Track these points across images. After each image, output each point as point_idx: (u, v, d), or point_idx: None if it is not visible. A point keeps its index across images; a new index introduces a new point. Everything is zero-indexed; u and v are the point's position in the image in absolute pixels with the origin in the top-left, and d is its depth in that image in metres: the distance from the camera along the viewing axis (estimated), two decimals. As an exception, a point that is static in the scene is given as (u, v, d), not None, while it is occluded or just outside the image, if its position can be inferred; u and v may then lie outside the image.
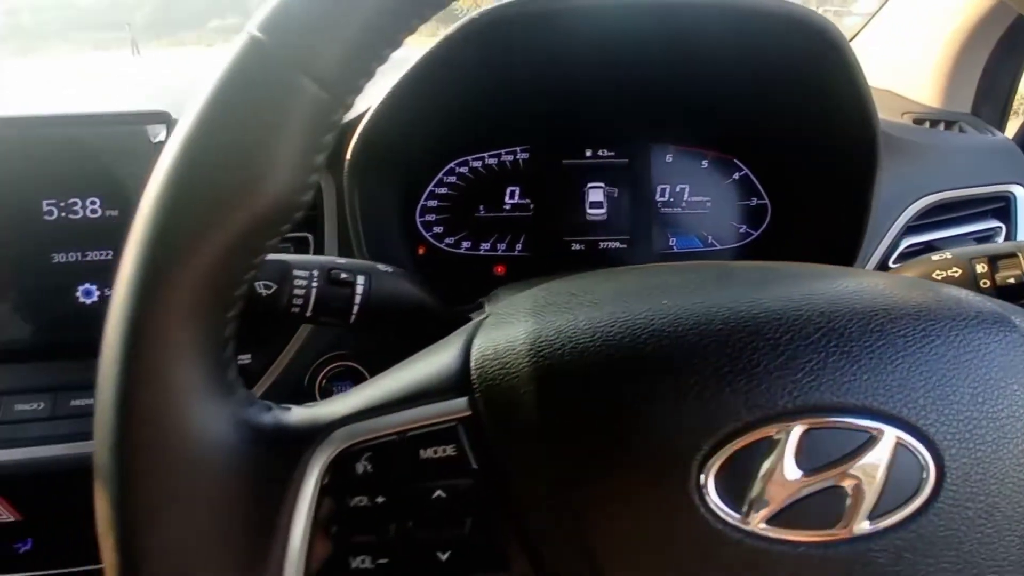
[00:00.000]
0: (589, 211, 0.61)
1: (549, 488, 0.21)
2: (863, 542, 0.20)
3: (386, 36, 0.21)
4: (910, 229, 0.56)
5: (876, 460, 0.20)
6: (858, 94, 0.48)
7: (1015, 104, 0.70)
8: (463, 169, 0.61)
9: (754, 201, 0.63)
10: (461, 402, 0.22)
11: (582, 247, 0.62)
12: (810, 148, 0.56)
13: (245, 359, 0.48)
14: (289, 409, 0.24)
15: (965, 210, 0.58)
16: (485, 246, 0.61)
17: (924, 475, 0.21)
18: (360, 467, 0.22)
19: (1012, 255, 0.35)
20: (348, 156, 0.49)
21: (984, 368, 0.22)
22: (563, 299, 0.25)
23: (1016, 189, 0.59)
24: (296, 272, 0.33)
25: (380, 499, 0.22)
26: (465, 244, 0.61)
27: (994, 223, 0.59)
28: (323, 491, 0.22)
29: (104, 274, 0.46)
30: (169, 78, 0.65)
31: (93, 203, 0.45)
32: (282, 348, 0.48)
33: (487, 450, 0.22)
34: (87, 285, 0.46)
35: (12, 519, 0.46)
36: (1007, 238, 0.59)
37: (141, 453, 0.20)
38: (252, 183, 0.20)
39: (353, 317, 0.34)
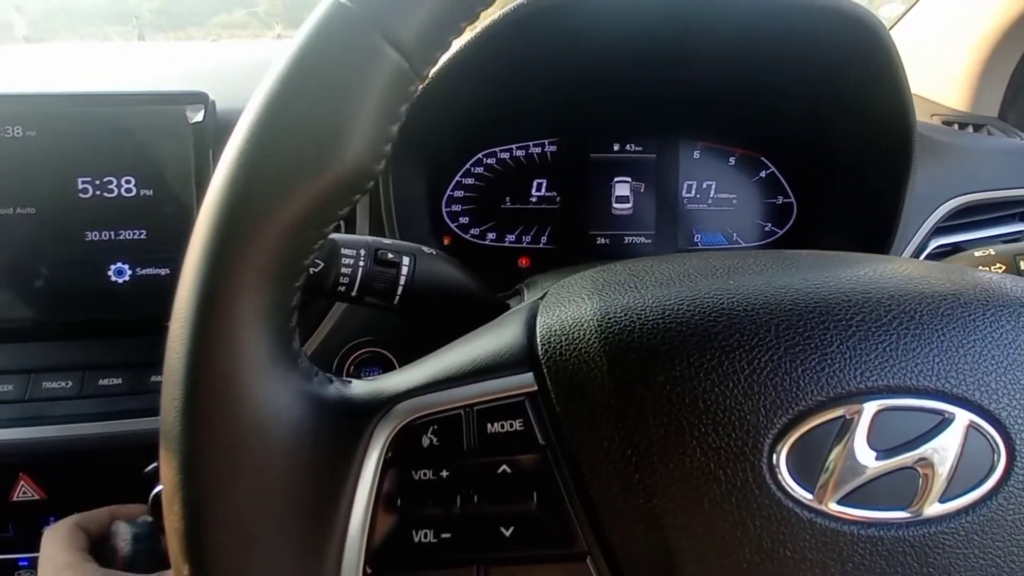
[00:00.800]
0: (615, 205, 0.61)
1: (618, 465, 0.21)
2: (934, 524, 0.20)
3: (465, 7, 0.21)
4: (939, 230, 0.56)
5: (948, 442, 0.20)
6: (897, 90, 0.48)
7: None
8: (491, 160, 0.60)
9: (780, 200, 0.63)
10: (528, 377, 0.22)
11: (607, 241, 0.61)
12: (842, 146, 0.56)
13: None
14: (350, 382, 0.23)
15: (993, 212, 0.58)
16: (510, 238, 0.61)
17: (996, 458, 0.20)
18: (426, 440, 0.22)
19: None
20: None
21: None
22: (626, 279, 0.25)
23: (1045, 192, 0.59)
24: (344, 251, 0.33)
25: (445, 473, 0.22)
26: (490, 235, 0.61)
27: (1021, 226, 0.59)
28: (387, 464, 0.22)
29: (137, 253, 0.45)
30: (204, 63, 0.64)
31: (128, 182, 0.45)
32: (312, 331, 0.48)
33: (555, 426, 0.22)
34: (119, 264, 0.46)
35: (36, 497, 0.46)
36: None
37: (210, 421, 0.20)
38: (331, 150, 0.20)
39: (397, 298, 0.34)
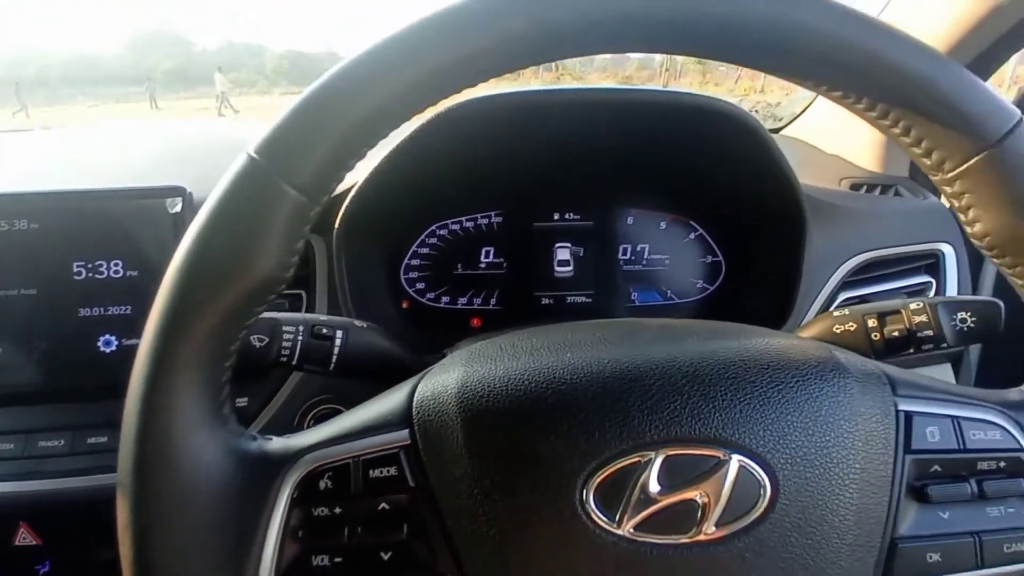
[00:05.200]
0: (557, 268, 0.68)
1: (467, 502, 0.27)
2: (712, 545, 0.26)
3: (351, 153, 0.27)
4: (846, 284, 0.62)
5: (723, 479, 0.26)
6: (778, 170, 0.55)
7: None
8: (443, 232, 0.67)
9: (709, 258, 0.69)
10: (403, 433, 0.28)
11: (551, 301, 0.68)
12: (749, 214, 0.63)
13: (243, 402, 0.54)
14: (270, 439, 0.30)
15: (898, 266, 0.64)
16: (463, 300, 0.67)
17: (762, 491, 0.26)
18: (322, 484, 0.28)
19: (897, 312, 0.41)
20: (337, 224, 0.56)
21: (816, 407, 0.28)
22: (493, 352, 0.31)
23: (944, 247, 0.65)
24: (285, 327, 0.39)
25: (337, 510, 0.27)
26: (445, 299, 0.67)
27: (926, 278, 0.65)
28: (293, 503, 0.28)
29: (123, 326, 0.52)
30: (186, 150, 0.73)
31: (116, 264, 0.52)
32: (275, 392, 0.54)
33: (422, 472, 0.28)
34: (107, 336, 0.52)
35: (33, 543, 0.52)
36: (937, 292, 0.64)
37: (152, 471, 0.26)
38: (245, 266, 0.26)
39: (332, 365, 0.40)
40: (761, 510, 0.26)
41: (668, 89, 0.59)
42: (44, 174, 0.65)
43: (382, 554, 0.27)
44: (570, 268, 0.68)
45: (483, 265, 0.67)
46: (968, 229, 0.29)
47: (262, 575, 0.27)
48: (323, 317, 0.42)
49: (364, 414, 0.30)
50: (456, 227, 0.67)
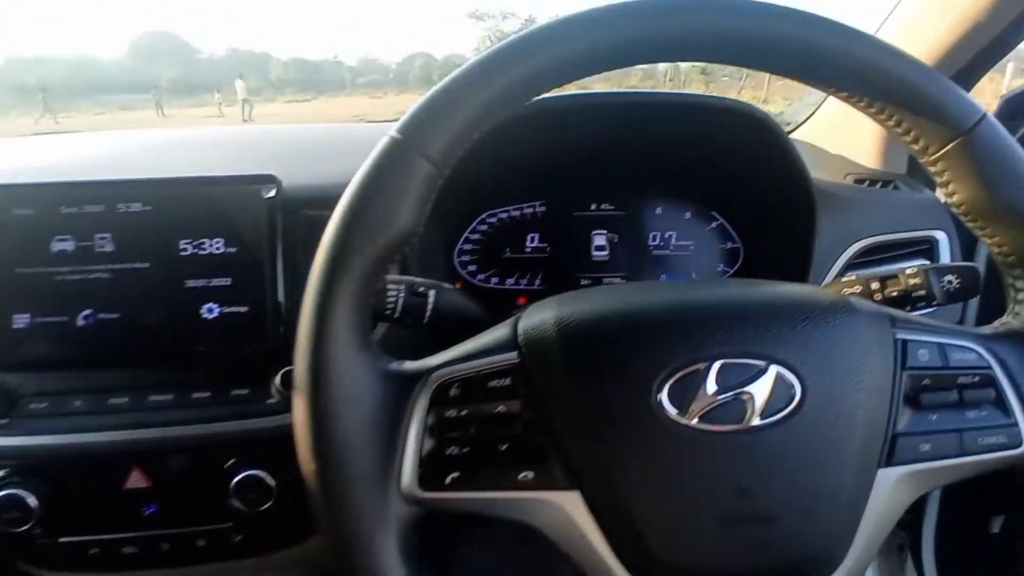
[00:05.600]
0: (595, 253, 0.76)
1: (567, 404, 0.35)
2: (757, 431, 0.34)
3: (477, 129, 0.35)
4: (851, 265, 0.70)
5: (763, 383, 0.34)
6: (792, 164, 0.63)
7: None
8: (492, 220, 0.75)
9: (728, 244, 0.77)
10: (512, 354, 0.36)
11: (589, 282, 0.76)
12: (764, 205, 0.71)
13: None
14: (404, 363, 0.37)
15: (897, 251, 0.72)
16: (510, 281, 0.75)
17: (793, 393, 0.34)
18: (452, 392, 0.35)
19: (895, 276, 0.49)
20: None
21: (833, 334, 0.36)
22: (579, 295, 0.39)
23: (939, 234, 0.73)
24: (389, 286, 0.47)
25: (464, 412, 0.35)
26: (494, 280, 0.75)
27: (925, 261, 0.73)
28: (429, 407, 0.35)
29: (223, 295, 0.60)
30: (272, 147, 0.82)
31: (217, 242, 0.60)
32: None
33: (530, 381, 0.35)
34: (210, 304, 0.60)
35: (144, 486, 0.59)
36: None
37: (322, 381, 0.34)
38: (389, 222, 0.34)
39: (426, 319, 0.48)
40: (793, 407, 0.34)
41: (695, 92, 0.67)
42: (138, 167, 0.73)
43: (500, 446, 0.35)
44: (606, 252, 0.76)
45: (528, 250, 0.75)
46: (948, 200, 0.38)
47: (407, 462, 0.35)
48: (419, 279, 0.49)
49: (478, 343, 0.38)
50: (504, 216, 0.75)
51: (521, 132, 0.67)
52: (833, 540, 0.34)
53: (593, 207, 0.76)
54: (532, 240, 0.76)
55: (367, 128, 1.00)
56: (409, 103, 0.37)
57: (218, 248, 0.60)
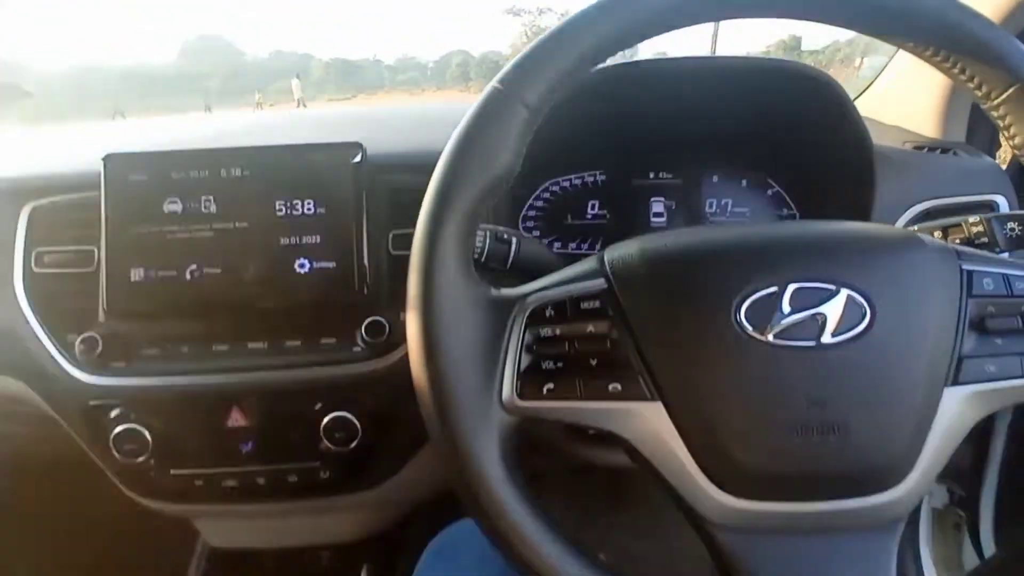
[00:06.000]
0: (653, 219, 0.79)
1: (653, 325, 0.38)
2: (829, 348, 0.37)
3: (571, 77, 0.39)
4: None
5: (836, 303, 0.37)
6: (854, 125, 0.65)
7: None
8: (555, 188, 0.79)
9: (784, 212, 0.79)
10: (600, 280, 0.40)
11: None
12: (825, 168, 0.73)
13: None
14: (501, 290, 0.41)
15: (955, 215, 0.73)
16: (572, 245, 0.79)
17: (863, 315, 0.37)
18: (547, 313, 0.39)
19: (958, 225, 0.51)
20: None
21: (903, 264, 0.38)
22: (660, 234, 0.43)
23: (999, 199, 0.74)
24: (478, 232, 0.51)
25: (558, 330, 0.39)
26: (556, 245, 0.79)
27: (982, 226, 0.74)
28: (527, 326, 0.39)
29: (315, 252, 0.65)
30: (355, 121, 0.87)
31: (309, 204, 0.65)
32: None
33: (616, 305, 0.39)
34: (302, 260, 0.65)
35: (243, 424, 0.65)
36: None
37: (435, 305, 0.38)
38: (492, 162, 0.38)
39: (509, 264, 0.52)
40: (863, 327, 0.37)
41: (759, 56, 0.69)
42: (234, 142, 0.79)
43: (590, 361, 0.39)
44: (664, 219, 0.79)
45: (589, 216, 0.79)
46: (1010, 143, 0.40)
47: (507, 376, 0.39)
48: (502, 228, 0.53)
49: (567, 273, 0.42)
50: (567, 184, 0.79)
51: (584, 102, 0.70)
52: (900, 453, 0.37)
53: (651, 175, 0.80)
54: (593, 207, 0.79)
55: (441, 106, 1.05)
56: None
57: (309, 209, 0.65)
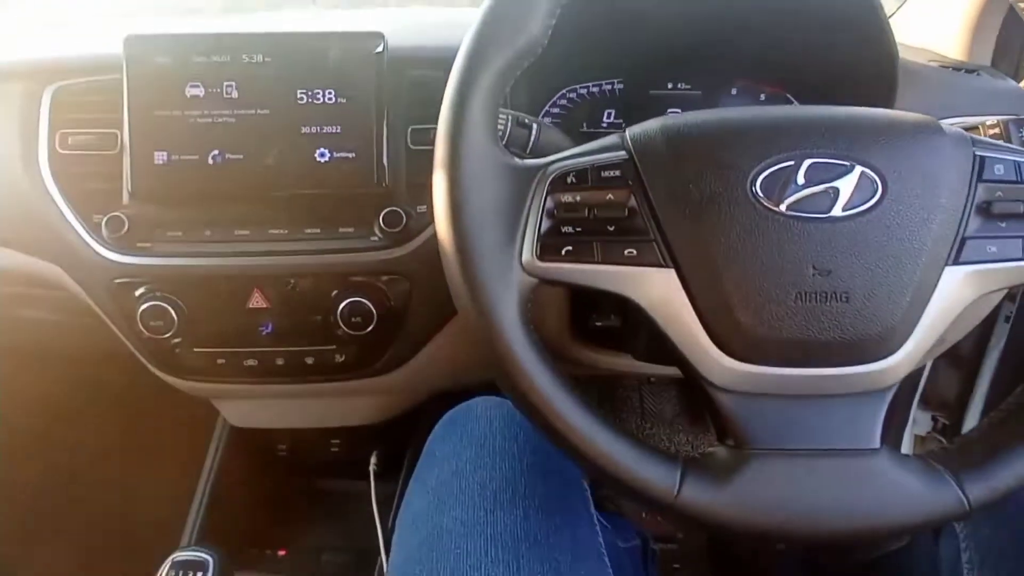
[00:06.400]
0: None
1: (670, 193, 0.40)
2: (840, 220, 0.38)
3: None
4: None
5: (849, 179, 0.38)
6: (881, 31, 0.64)
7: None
8: (572, 95, 0.79)
9: None
10: (621, 152, 0.41)
11: None
12: (847, 80, 0.73)
13: None
14: (525, 157, 0.43)
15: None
16: (587, 153, 0.79)
17: (875, 187, 0.38)
18: (568, 179, 0.41)
19: (975, 128, 0.52)
20: None
21: (917, 146, 0.39)
22: (679, 114, 0.43)
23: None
24: (499, 114, 0.52)
25: (579, 197, 0.41)
26: (571, 152, 0.79)
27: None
28: (548, 191, 0.41)
29: (335, 141, 0.65)
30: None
31: (330, 93, 0.65)
32: None
33: (635, 174, 0.40)
34: (322, 149, 0.66)
35: (264, 306, 0.67)
36: None
37: (462, 165, 0.39)
38: (518, 31, 0.39)
39: (529, 149, 0.53)
40: (873, 202, 0.38)
41: None
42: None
43: (608, 227, 0.40)
44: (680, 129, 0.79)
45: (604, 125, 0.79)
46: None
47: (527, 238, 0.40)
48: (524, 114, 0.54)
49: (589, 146, 0.43)
50: (584, 91, 0.79)
51: (603, 10, 0.69)
52: (897, 324, 0.39)
53: (669, 86, 0.79)
54: (608, 116, 0.79)
55: (466, 12, 1.03)
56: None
57: (330, 98, 0.66)
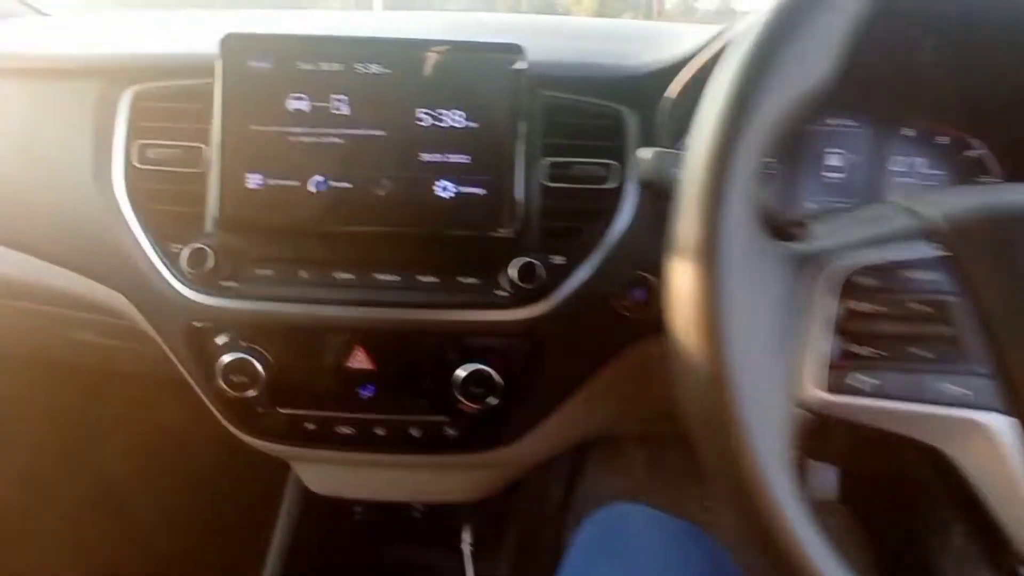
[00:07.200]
0: (824, 174, 0.68)
1: (1014, 309, 0.28)
2: None
3: None
4: None
5: None
6: None
7: None
8: None
9: (983, 178, 0.67)
10: (935, 246, 0.30)
11: (815, 207, 0.68)
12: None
13: None
14: (794, 242, 0.32)
15: None
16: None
17: None
18: (864, 281, 0.30)
19: None
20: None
21: None
22: (1005, 186, 0.32)
23: None
24: None
25: (879, 306, 0.30)
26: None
27: None
28: (841, 296, 0.30)
29: (461, 173, 0.55)
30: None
31: (458, 115, 0.55)
32: None
33: (965, 279, 0.29)
34: (445, 181, 0.55)
35: (366, 367, 0.57)
36: None
37: (723, 255, 0.28)
38: (799, 70, 0.28)
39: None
40: None
41: None
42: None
43: (925, 351, 0.29)
44: (842, 174, 0.68)
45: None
46: None
47: (807, 360, 0.29)
48: None
49: (880, 228, 0.32)
50: None
51: None
52: None
53: (829, 121, 0.68)
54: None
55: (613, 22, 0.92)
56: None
57: (458, 121, 0.55)
